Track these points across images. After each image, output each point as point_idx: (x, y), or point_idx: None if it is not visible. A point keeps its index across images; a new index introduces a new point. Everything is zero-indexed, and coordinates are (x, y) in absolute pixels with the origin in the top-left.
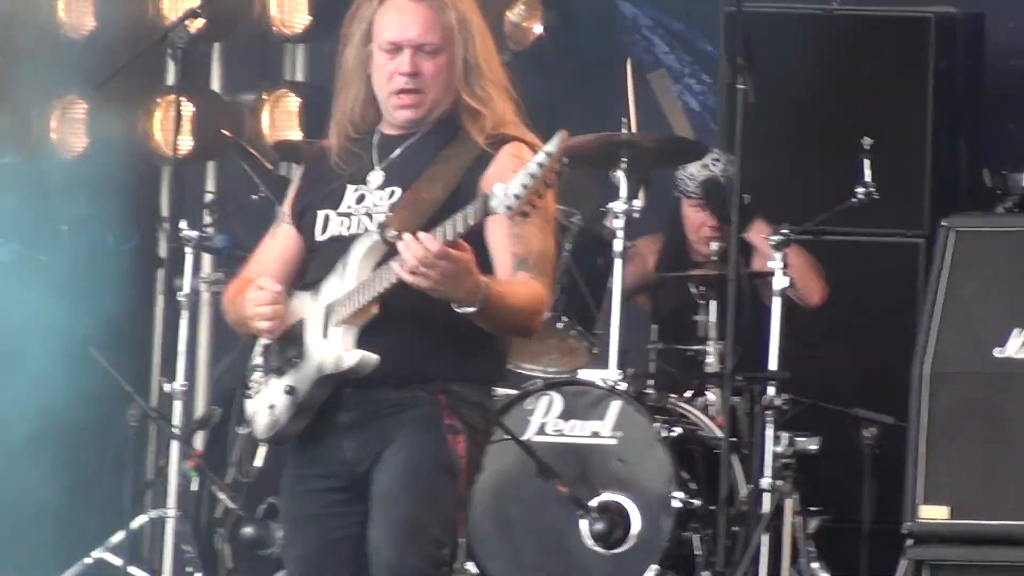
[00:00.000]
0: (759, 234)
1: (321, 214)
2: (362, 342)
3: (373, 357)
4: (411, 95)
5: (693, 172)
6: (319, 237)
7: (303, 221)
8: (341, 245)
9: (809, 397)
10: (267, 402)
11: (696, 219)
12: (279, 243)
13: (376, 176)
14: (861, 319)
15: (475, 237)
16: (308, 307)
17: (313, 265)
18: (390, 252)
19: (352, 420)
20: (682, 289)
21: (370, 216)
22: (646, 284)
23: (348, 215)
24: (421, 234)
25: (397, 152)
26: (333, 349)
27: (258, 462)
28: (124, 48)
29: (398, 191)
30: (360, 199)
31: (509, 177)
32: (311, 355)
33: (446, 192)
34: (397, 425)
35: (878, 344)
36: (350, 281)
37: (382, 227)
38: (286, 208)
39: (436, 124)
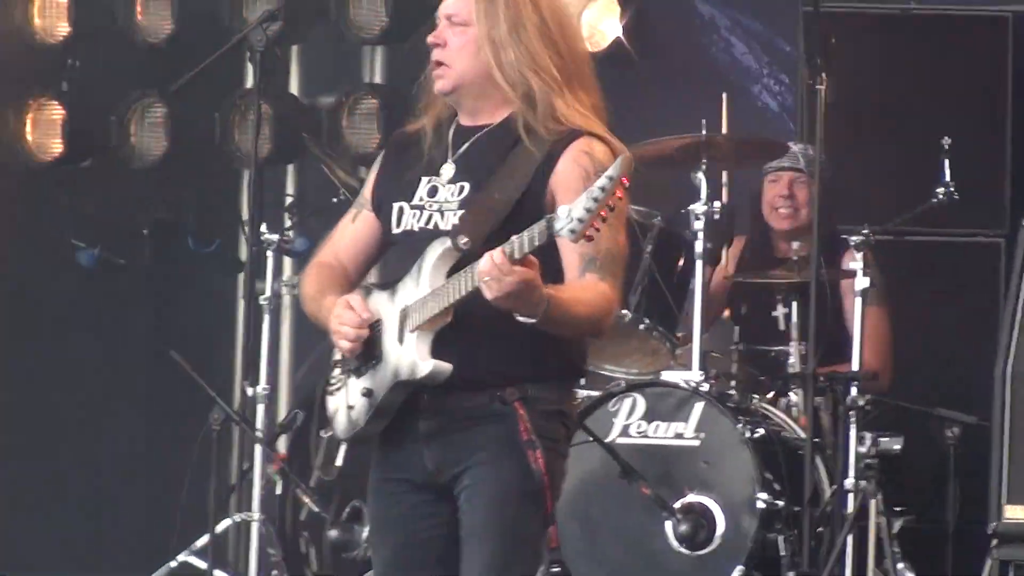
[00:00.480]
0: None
1: (396, 206)
2: (437, 347)
3: (446, 366)
4: (437, 65)
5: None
6: (395, 230)
7: (381, 210)
8: (414, 240)
9: (892, 397)
10: (346, 402)
11: (771, 192)
12: (358, 227)
13: (448, 169)
14: (943, 319)
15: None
16: (385, 308)
17: (390, 261)
18: (463, 258)
19: (430, 428)
20: (762, 288)
21: (441, 212)
22: (725, 290)
23: (421, 208)
24: (497, 255)
25: (467, 145)
26: (408, 356)
27: (339, 461)
28: (202, 51)
29: (467, 187)
30: (432, 191)
31: (575, 175)
32: (388, 359)
33: (516, 194)
34: (477, 442)
35: (960, 344)
36: (424, 287)
37: (454, 234)
38: (367, 193)
39: (504, 119)
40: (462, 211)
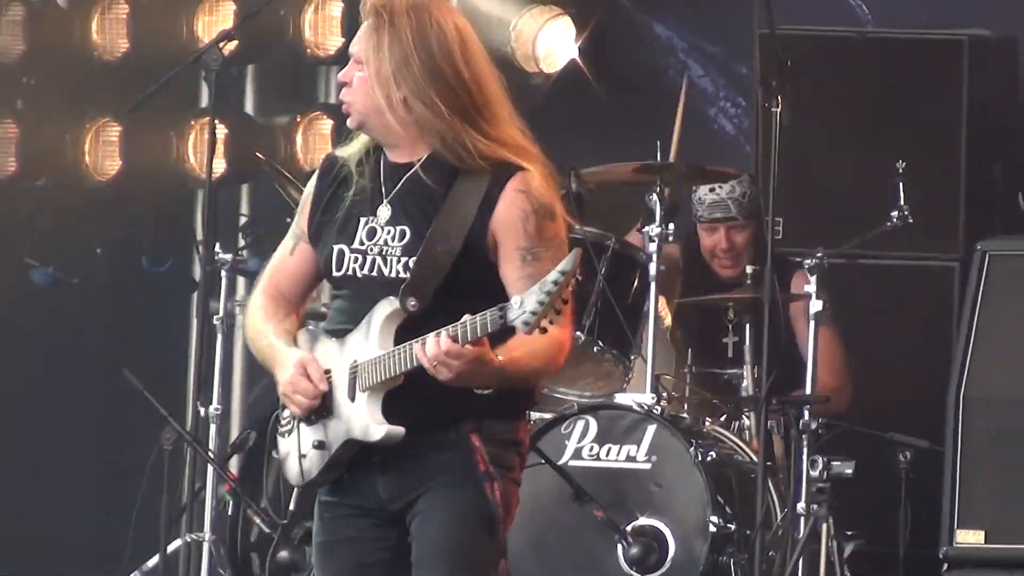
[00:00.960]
0: (799, 288)
1: (336, 248)
2: (390, 399)
3: (399, 431)
4: (345, 105)
5: (702, 196)
6: (335, 273)
7: (318, 246)
8: (359, 286)
9: (845, 422)
10: (298, 450)
11: (708, 242)
12: (297, 261)
13: (384, 211)
14: (896, 343)
15: (491, 271)
16: (334, 359)
17: (335, 304)
18: (411, 317)
19: (384, 459)
20: (710, 312)
21: (384, 257)
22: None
23: (363, 252)
24: (441, 336)
25: (399, 185)
26: (361, 417)
27: (292, 506)
28: (157, 71)
29: (407, 231)
30: (371, 233)
31: (514, 215)
32: (340, 414)
33: (458, 244)
34: (431, 470)
35: (913, 368)
36: (373, 346)
37: (403, 296)
38: (303, 224)
39: (426, 157)
40: (407, 258)
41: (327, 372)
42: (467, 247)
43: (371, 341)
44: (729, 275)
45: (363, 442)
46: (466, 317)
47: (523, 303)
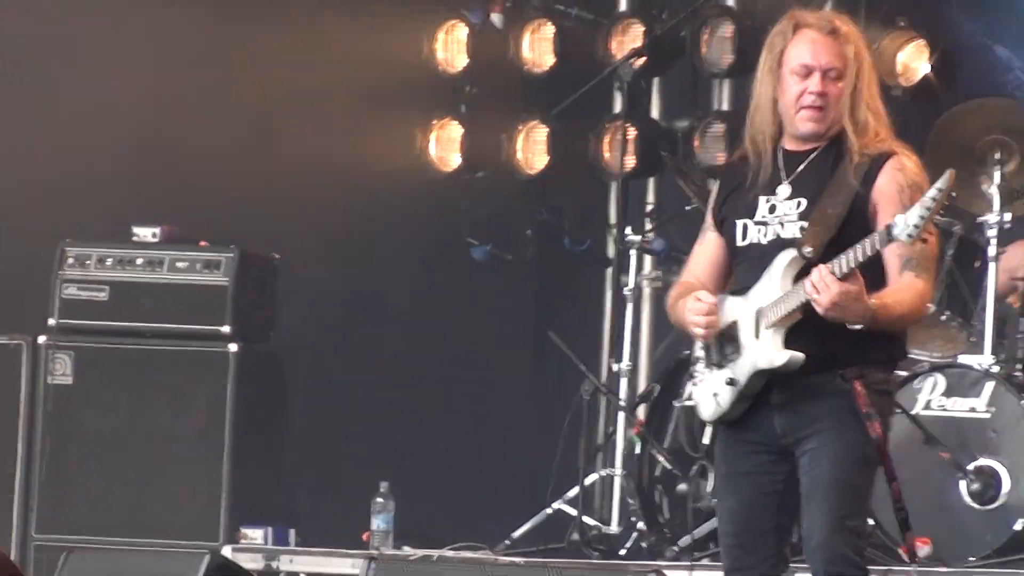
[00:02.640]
0: None
1: (740, 223)
2: (788, 339)
3: (799, 356)
4: (817, 111)
5: None
6: (740, 243)
7: (724, 228)
8: (760, 251)
9: None
10: (711, 391)
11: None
12: (707, 249)
13: (784, 188)
14: None
15: (869, 232)
16: (740, 310)
17: (738, 270)
18: (807, 264)
19: (782, 400)
20: None
21: (782, 224)
22: (1013, 288)
23: (764, 223)
24: (823, 271)
25: (801, 167)
26: (766, 348)
27: (706, 440)
28: (579, 82)
29: (804, 201)
30: (772, 209)
31: (892, 188)
32: (747, 352)
33: (845, 206)
34: (822, 411)
35: None
36: (775, 290)
37: (799, 244)
38: (709, 218)
39: (829, 142)
40: (802, 222)
41: (733, 323)
42: (852, 211)
43: (772, 284)
44: None
45: (769, 370)
46: (850, 251)
47: (907, 219)
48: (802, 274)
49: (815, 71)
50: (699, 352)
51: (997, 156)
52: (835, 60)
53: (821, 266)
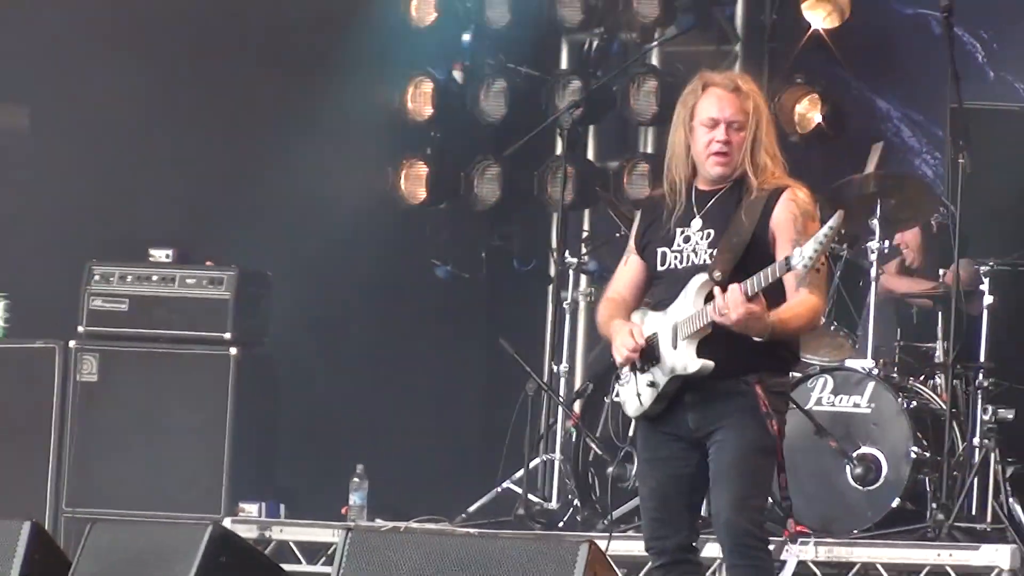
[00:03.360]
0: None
1: (659, 250)
2: (700, 349)
3: (709, 364)
4: (723, 156)
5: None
6: (660, 268)
7: (646, 253)
8: (677, 275)
9: (1008, 381)
10: (634, 391)
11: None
12: (629, 270)
13: (697, 221)
14: None
15: (770, 257)
16: (660, 324)
17: (657, 289)
18: (715, 286)
19: (695, 400)
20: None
21: (695, 252)
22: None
23: (680, 251)
24: (731, 289)
25: (710, 203)
26: (682, 357)
27: (631, 433)
28: (527, 127)
29: (712, 232)
30: (686, 239)
31: (787, 217)
32: (665, 360)
33: (748, 234)
34: (728, 409)
35: None
36: (689, 307)
37: (710, 269)
38: (632, 243)
39: (733, 182)
40: (711, 250)
41: (653, 335)
42: (753, 239)
43: (687, 303)
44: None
45: (683, 375)
46: (755, 277)
47: (803, 252)
48: (710, 295)
49: (721, 123)
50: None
51: (879, 195)
52: (737, 114)
53: (734, 286)
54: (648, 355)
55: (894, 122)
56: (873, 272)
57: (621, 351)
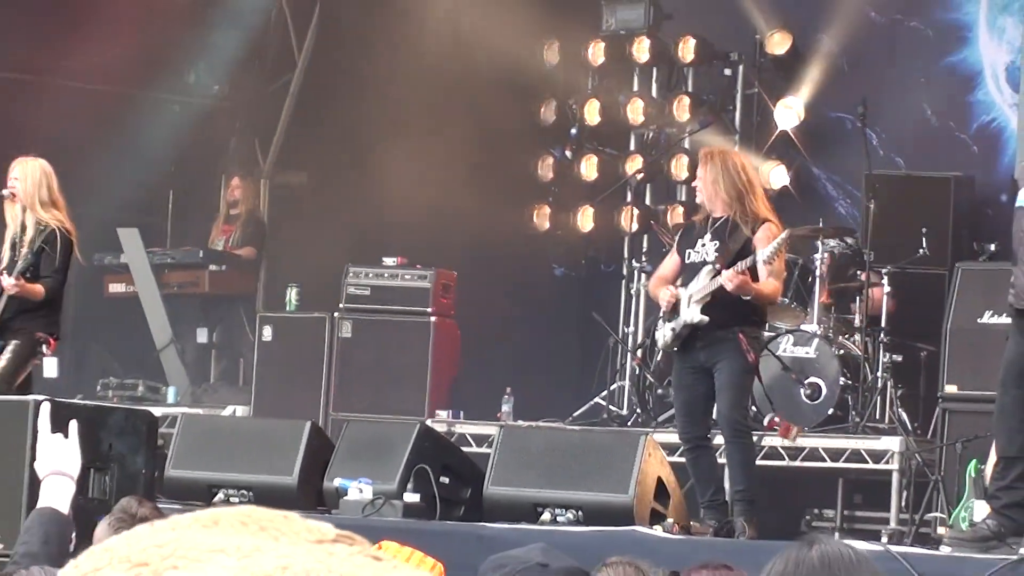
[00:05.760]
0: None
1: (688, 251)
2: (704, 309)
3: (704, 318)
4: (701, 197)
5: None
6: (687, 261)
7: (680, 252)
8: (695, 266)
9: (900, 338)
10: (663, 334)
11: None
12: (670, 262)
13: (709, 235)
14: None
15: (752, 259)
16: (683, 293)
17: (685, 275)
18: (716, 273)
19: (703, 344)
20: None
21: (708, 253)
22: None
23: (699, 252)
24: (734, 270)
25: (717, 224)
26: (691, 313)
27: (658, 357)
28: (607, 185)
29: (718, 242)
30: (703, 245)
31: (765, 243)
32: (682, 315)
33: (738, 246)
34: (724, 348)
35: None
36: (701, 284)
37: (714, 263)
38: (675, 247)
39: (732, 213)
40: (716, 253)
41: (678, 299)
42: (743, 248)
43: (700, 282)
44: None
45: (691, 324)
46: (740, 263)
47: (766, 252)
48: (713, 277)
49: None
50: (662, 314)
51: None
52: (700, 169)
53: (735, 266)
54: (674, 310)
55: (840, 201)
56: (817, 272)
57: (662, 303)
